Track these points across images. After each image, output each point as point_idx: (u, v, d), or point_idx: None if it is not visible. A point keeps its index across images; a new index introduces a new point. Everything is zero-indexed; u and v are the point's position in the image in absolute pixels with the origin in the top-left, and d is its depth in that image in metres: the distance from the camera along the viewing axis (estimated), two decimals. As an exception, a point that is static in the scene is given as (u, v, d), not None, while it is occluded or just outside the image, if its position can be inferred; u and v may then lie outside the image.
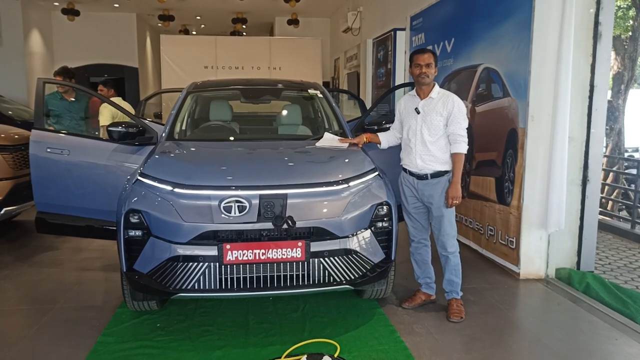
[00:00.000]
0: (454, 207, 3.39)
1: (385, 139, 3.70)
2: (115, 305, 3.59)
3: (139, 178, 3.16)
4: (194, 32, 17.46)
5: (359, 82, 10.17)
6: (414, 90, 3.48)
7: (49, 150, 3.81)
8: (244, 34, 16.18)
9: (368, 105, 7.54)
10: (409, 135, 3.46)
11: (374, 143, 3.73)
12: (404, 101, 3.57)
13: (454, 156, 3.33)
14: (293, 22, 13.97)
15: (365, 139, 3.71)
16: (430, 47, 3.63)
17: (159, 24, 15.17)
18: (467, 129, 3.37)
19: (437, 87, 3.42)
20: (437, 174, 3.37)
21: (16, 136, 5.38)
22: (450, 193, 3.30)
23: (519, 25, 4.17)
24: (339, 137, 3.81)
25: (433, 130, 3.34)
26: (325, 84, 12.47)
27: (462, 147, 3.31)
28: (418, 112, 3.40)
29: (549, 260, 4.18)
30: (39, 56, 13.33)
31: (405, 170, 3.52)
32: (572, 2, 3.83)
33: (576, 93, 4.02)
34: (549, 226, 4.01)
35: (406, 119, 3.51)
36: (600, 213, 6.58)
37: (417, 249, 3.61)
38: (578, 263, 4.23)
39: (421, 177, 3.40)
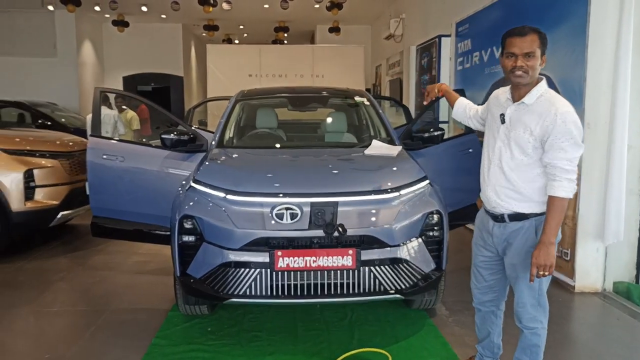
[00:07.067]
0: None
1: (461, 108, 2.82)
2: (167, 308, 3.67)
3: (193, 184, 3.23)
4: (236, 41, 17.81)
5: (402, 89, 10.11)
6: (509, 87, 2.42)
7: (104, 156, 3.94)
8: (285, 42, 16.38)
9: (412, 112, 7.48)
10: (485, 151, 2.49)
11: (447, 100, 2.92)
12: (494, 98, 2.52)
13: (549, 201, 2.23)
14: (334, 29, 14.05)
15: (437, 91, 2.91)
16: (534, 27, 2.32)
17: (204, 34, 15.56)
18: None
19: (541, 85, 2.29)
20: (518, 217, 2.35)
21: (71, 143, 5.60)
22: (536, 258, 2.20)
23: (573, 30, 4.05)
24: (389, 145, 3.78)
25: (517, 152, 2.30)
26: (367, 91, 12.46)
27: (563, 189, 2.18)
28: (503, 122, 2.37)
29: (606, 273, 4.02)
30: (90, 66, 13.90)
31: (484, 205, 2.55)
32: (631, 5, 3.70)
33: (635, 99, 3.87)
34: (607, 238, 3.86)
35: (490, 125, 2.49)
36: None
37: (484, 320, 2.69)
38: (637, 276, 4.04)
39: (496, 218, 2.42)
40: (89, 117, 7.63)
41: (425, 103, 3.03)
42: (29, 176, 4.86)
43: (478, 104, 2.76)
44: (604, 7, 3.80)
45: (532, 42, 2.25)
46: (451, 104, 2.90)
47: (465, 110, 2.81)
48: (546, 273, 2.23)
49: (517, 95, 2.33)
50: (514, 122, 2.32)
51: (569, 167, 2.18)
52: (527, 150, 2.27)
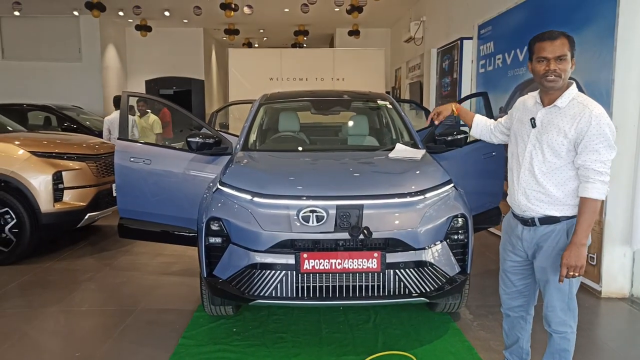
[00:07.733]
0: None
1: (482, 124, 2.82)
2: (192, 309, 3.72)
3: (219, 187, 3.27)
4: (256, 45, 17.96)
5: (422, 92, 10.08)
6: (537, 91, 2.44)
7: (132, 159, 4.01)
8: (304, 45, 16.46)
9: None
10: (514, 155, 2.48)
11: (463, 120, 2.93)
12: (523, 104, 2.52)
13: (581, 202, 2.24)
14: (354, 32, 14.07)
15: (453, 109, 2.89)
16: (562, 31, 2.31)
17: (224, 38, 15.74)
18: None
19: (572, 89, 2.31)
20: (549, 220, 2.35)
21: (97, 146, 5.72)
22: (566, 259, 2.22)
23: (601, 32, 4.01)
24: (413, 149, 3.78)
25: (549, 155, 2.30)
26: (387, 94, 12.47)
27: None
28: (534, 126, 2.38)
29: (633, 278, 3.95)
30: (113, 70, 14.16)
31: (511, 210, 2.57)
32: (660, 6, 3.65)
33: (665, 102, 3.81)
34: (635, 243, 3.81)
35: (518, 130, 2.47)
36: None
37: (513, 325, 2.66)
38: (666, 283, 3.97)
39: (526, 222, 2.42)
40: (107, 119, 7.95)
41: (436, 123, 3.05)
42: (57, 178, 4.97)
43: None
44: (634, 8, 3.75)
45: (563, 46, 2.26)
46: (468, 123, 2.91)
47: (486, 125, 2.82)
48: (576, 274, 2.23)
49: (548, 99, 2.34)
50: (545, 126, 2.33)
51: (602, 169, 2.19)
52: (560, 153, 2.28)
